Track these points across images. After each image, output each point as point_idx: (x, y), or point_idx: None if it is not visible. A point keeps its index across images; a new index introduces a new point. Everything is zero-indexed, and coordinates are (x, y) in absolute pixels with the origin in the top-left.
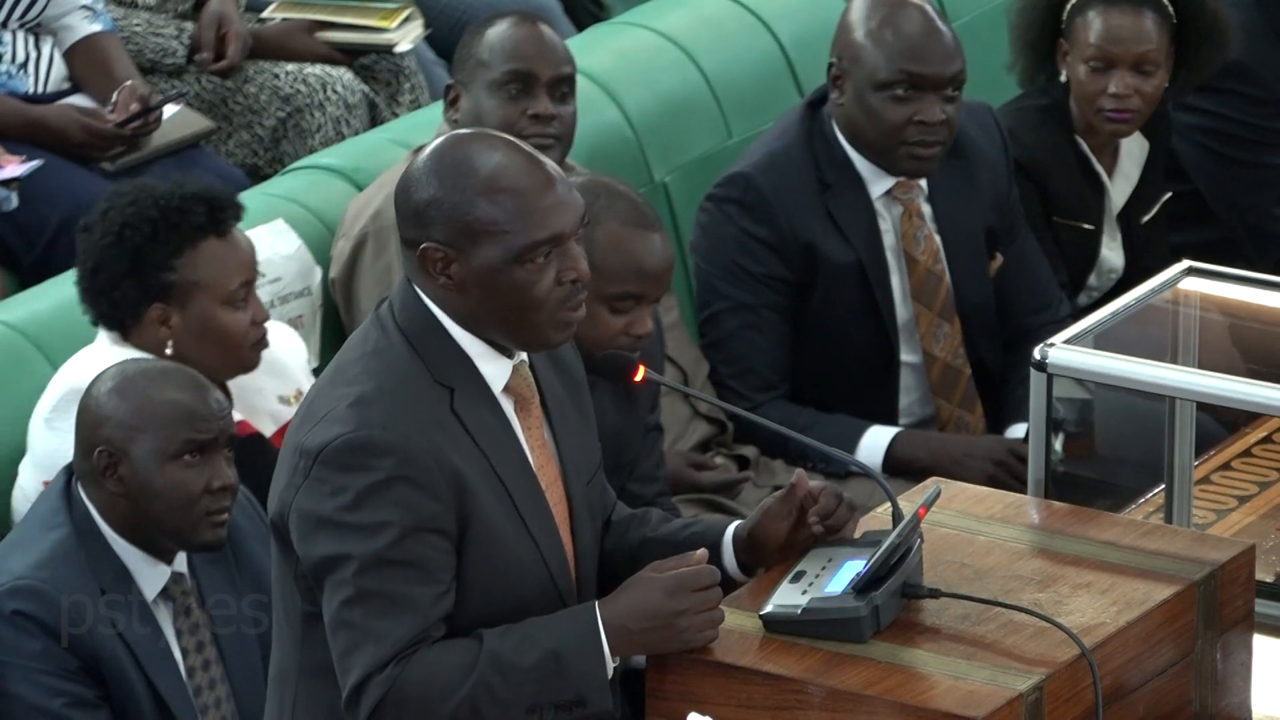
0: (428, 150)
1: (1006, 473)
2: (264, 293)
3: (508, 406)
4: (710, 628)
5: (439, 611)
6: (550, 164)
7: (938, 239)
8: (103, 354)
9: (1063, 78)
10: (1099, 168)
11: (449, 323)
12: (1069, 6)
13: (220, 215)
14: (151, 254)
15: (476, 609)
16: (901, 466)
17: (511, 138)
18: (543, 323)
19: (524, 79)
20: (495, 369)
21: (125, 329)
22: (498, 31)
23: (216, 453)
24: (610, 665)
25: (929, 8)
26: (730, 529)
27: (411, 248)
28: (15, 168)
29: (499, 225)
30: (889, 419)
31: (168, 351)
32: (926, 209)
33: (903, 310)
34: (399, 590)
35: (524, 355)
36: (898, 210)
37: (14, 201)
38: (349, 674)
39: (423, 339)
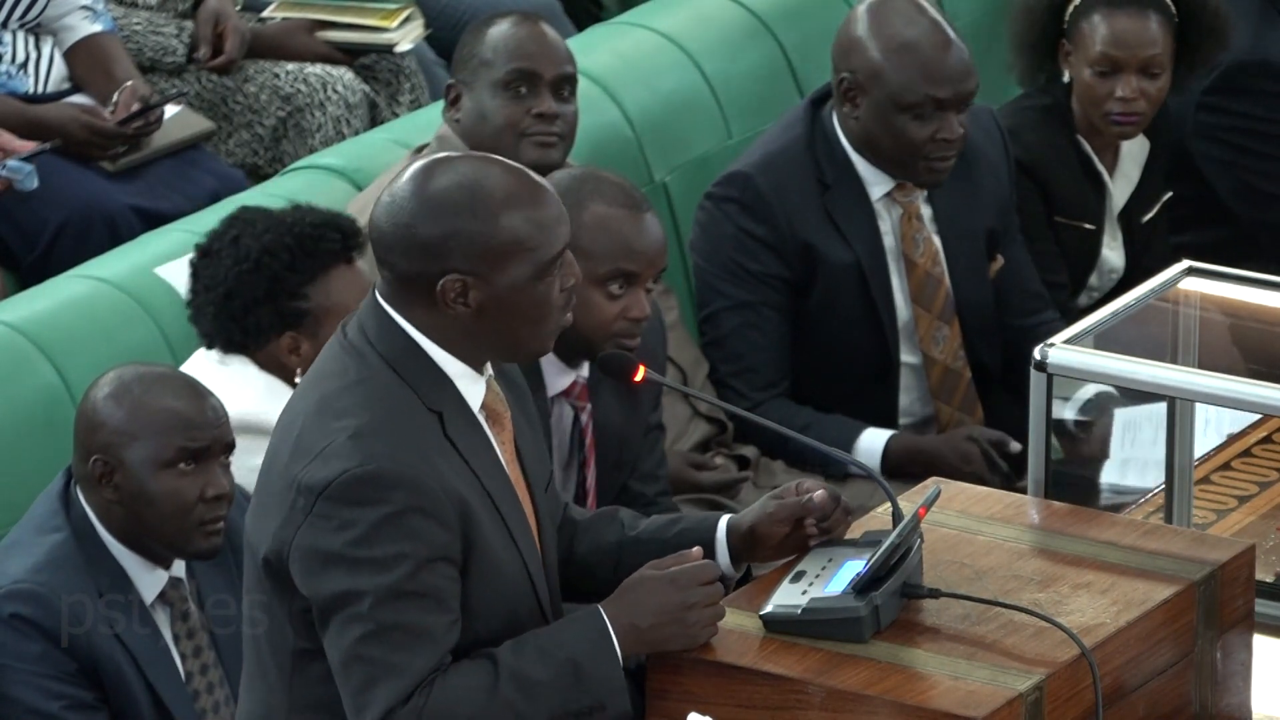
0: (413, 183)
1: (981, 464)
2: None
3: (484, 424)
4: (714, 622)
5: (452, 640)
6: (535, 174)
7: (937, 241)
8: (212, 369)
9: (1065, 78)
10: (1100, 167)
11: (430, 346)
12: (1071, 8)
13: (351, 242)
14: (288, 281)
15: (474, 629)
16: (897, 470)
17: (490, 155)
18: (548, 333)
19: (528, 78)
20: (474, 388)
21: (249, 353)
22: (500, 31)
23: (211, 460)
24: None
25: (940, 19)
26: (723, 524)
27: (415, 280)
28: (31, 149)
29: (523, 243)
30: (888, 420)
31: (296, 379)
32: (926, 211)
33: (902, 312)
34: (416, 622)
35: (491, 370)
36: (897, 212)
37: (34, 180)
38: (367, 710)
39: (406, 365)
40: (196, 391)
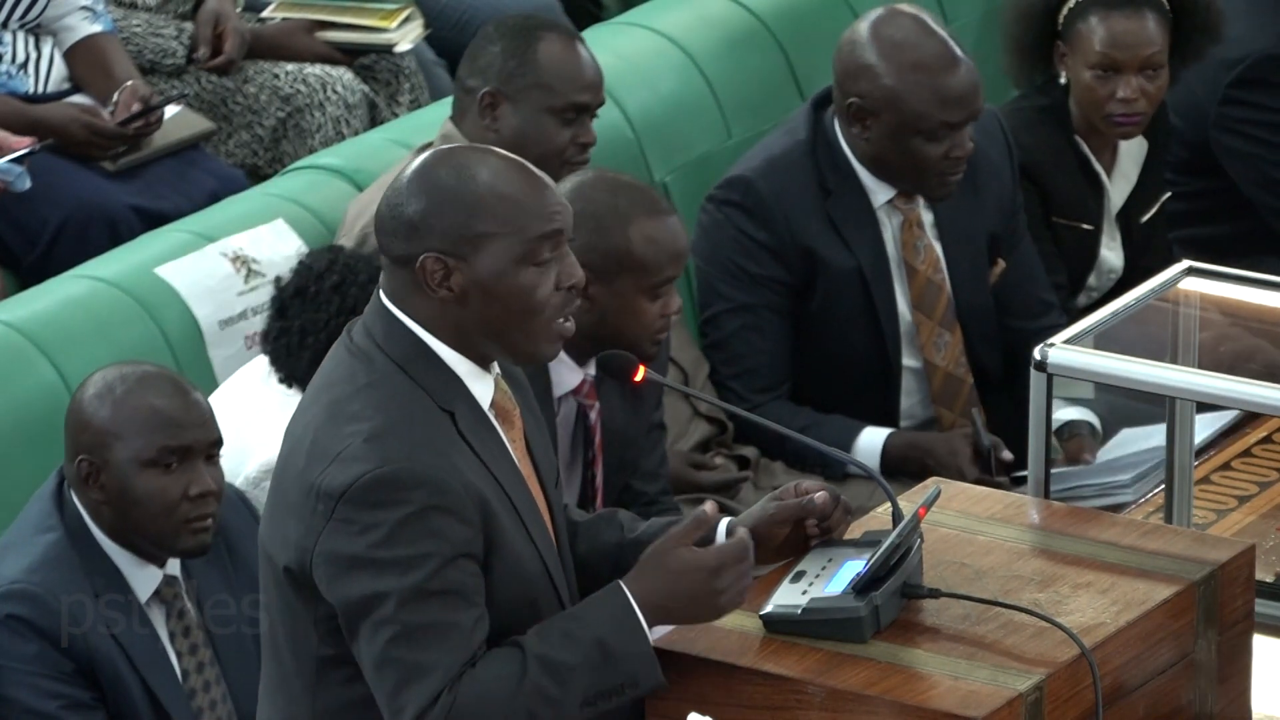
0: (413, 167)
1: (967, 457)
2: (263, 293)
3: (495, 422)
4: (743, 596)
5: (480, 636)
6: (539, 170)
7: (938, 247)
8: (279, 402)
9: (1061, 79)
10: (1098, 168)
11: (437, 344)
12: (1066, 10)
13: None
14: None
15: (496, 624)
16: (896, 467)
17: (498, 149)
18: (539, 331)
19: (584, 109)
20: (482, 386)
21: None
22: (558, 54)
23: (196, 459)
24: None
25: (945, 36)
26: (722, 527)
27: (404, 264)
28: (25, 148)
29: (504, 225)
30: (889, 424)
31: None
32: (927, 217)
33: (904, 318)
34: (443, 619)
35: (498, 369)
36: (898, 219)
37: (26, 181)
38: (403, 713)
39: (415, 365)
40: (181, 389)
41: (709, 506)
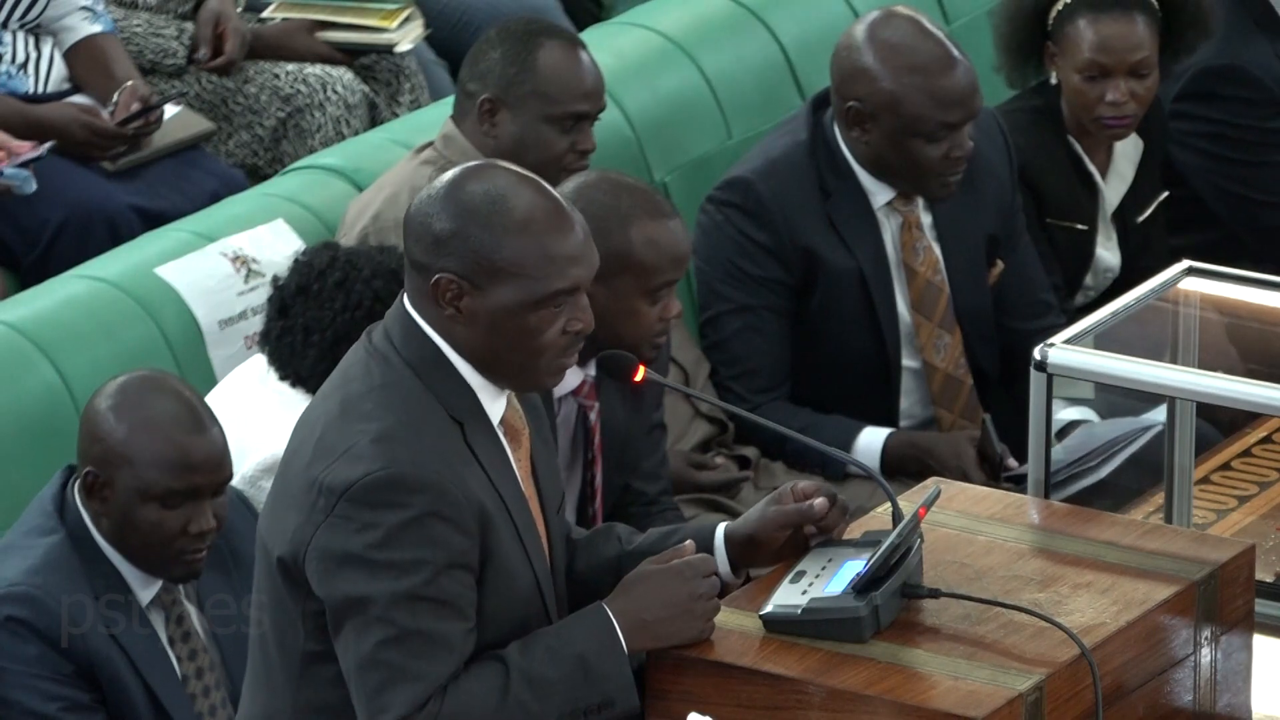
0: (451, 178)
1: (973, 462)
2: (263, 293)
3: (502, 439)
4: (714, 615)
5: (468, 648)
6: (576, 212)
7: (937, 249)
8: (276, 403)
9: (1052, 79)
10: (1091, 168)
11: (453, 355)
12: (1056, 11)
13: None
14: None
15: (484, 637)
16: (896, 466)
17: (538, 179)
18: (540, 369)
19: (583, 117)
20: (494, 402)
21: None
22: (558, 62)
23: (201, 500)
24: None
25: (942, 36)
26: (720, 531)
27: (422, 273)
28: (31, 151)
29: (523, 269)
30: (889, 424)
31: None
32: (926, 219)
33: (904, 320)
34: (435, 628)
35: None
36: (897, 221)
37: (33, 184)
38: (382, 715)
39: (430, 372)
40: (199, 424)
41: (688, 544)
